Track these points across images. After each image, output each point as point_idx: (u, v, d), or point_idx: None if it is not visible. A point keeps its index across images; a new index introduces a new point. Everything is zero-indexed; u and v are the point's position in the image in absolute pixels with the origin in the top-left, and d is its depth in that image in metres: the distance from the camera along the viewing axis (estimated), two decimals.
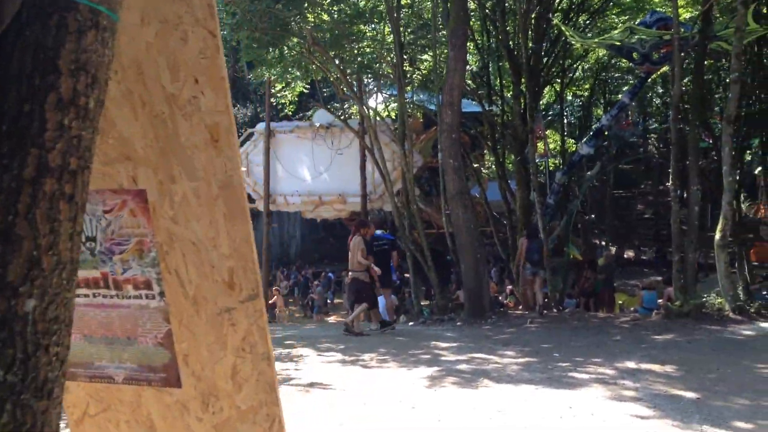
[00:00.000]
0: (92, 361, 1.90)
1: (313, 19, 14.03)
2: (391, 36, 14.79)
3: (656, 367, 7.25)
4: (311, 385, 6.51)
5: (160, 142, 1.67)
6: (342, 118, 15.36)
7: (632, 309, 15.35)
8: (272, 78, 15.82)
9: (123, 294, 1.83)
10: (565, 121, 28.66)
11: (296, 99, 18.64)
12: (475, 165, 21.79)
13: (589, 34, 18.36)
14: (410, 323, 12.85)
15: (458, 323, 11.98)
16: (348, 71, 15.02)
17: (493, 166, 25.95)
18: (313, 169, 15.75)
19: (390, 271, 11.80)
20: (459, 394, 6.10)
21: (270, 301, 20.86)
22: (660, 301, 13.72)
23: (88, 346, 1.89)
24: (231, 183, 1.66)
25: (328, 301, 27.20)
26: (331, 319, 20.14)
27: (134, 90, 1.64)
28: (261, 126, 15.94)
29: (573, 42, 17.55)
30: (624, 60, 20.71)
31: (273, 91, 17.14)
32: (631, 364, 7.42)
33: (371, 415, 5.41)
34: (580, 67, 24.22)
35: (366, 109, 14.70)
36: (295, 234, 41.90)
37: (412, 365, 7.54)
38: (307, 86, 17.51)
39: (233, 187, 1.66)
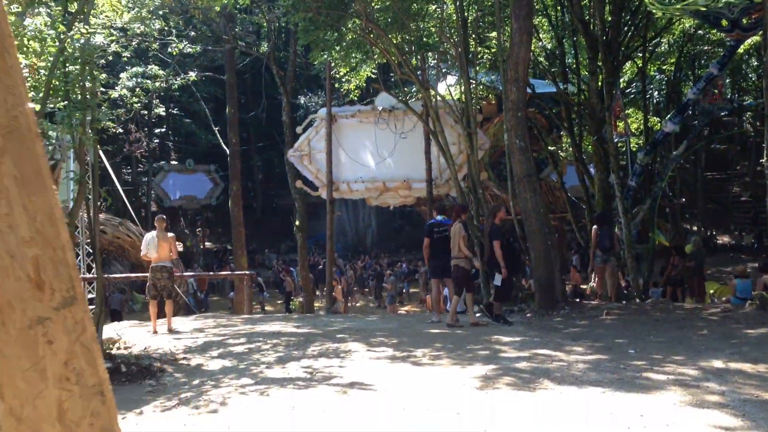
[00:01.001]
0: None
1: None
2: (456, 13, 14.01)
3: (747, 367, 6.31)
4: (351, 385, 5.95)
5: None
6: (405, 100, 14.70)
7: (724, 299, 14.04)
8: (333, 62, 15.35)
9: None
10: (648, 98, 26.99)
11: (364, 85, 18.11)
12: (551, 148, 20.73)
13: (672, 1, 16.97)
14: (477, 314, 12.12)
15: (528, 314, 11.19)
16: (408, 51, 14.35)
17: (570, 149, 24.80)
18: (377, 155, 15.18)
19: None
20: (513, 399, 5.40)
21: (333, 293, 20.55)
22: (755, 291, 12.44)
23: None
24: (19, 128, 1.09)
25: (403, 291, 26.77)
26: (403, 310, 19.60)
27: None
28: (323, 111, 15.50)
29: (654, 11, 16.21)
30: (713, 30, 19.09)
31: (337, 76, 16.69)
32: (717, 364, 6.50)
33: (407, 423, 4.80)
34: (664, 40, 22.61)
35: (429, 91, 14.00)
36: (371, 223, 41.64)
37: (466, 363, 6.87)
38: (374, 71, 16.96)
39: (23, 136, 1.09)
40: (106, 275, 17.40)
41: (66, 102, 7.04)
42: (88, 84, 7.14)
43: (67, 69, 7.06)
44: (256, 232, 40.13)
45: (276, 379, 6.22)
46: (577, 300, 15.25)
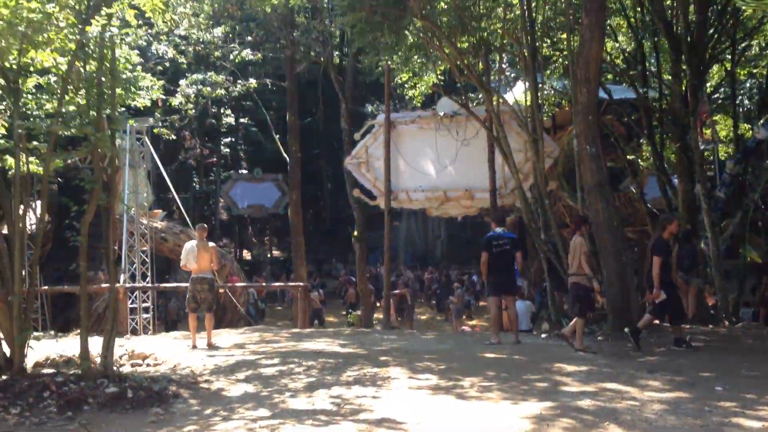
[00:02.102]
0: None
1: None
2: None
3: None
4: (379, 422, 5.15)
5: None
6: (466, 104, 13.80)
7: None
8: (393, 66, 14.64)
9: None
10: (738, 103, 25.05)
11: (430, 91, 17.35)
12: (631, 157, 19.34)
13: None
14: (543, 335, 11.10)
15: (599, 338, 10.10)
16: (473, 55, 13.48)
17: (651, 158, 23.20)
18: (438, 163, 14.35)
19: (514, 276, 10.15)
20: None
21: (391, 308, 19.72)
22: None
23: None
24: None
25: (471, 304, 25.71)
26: (469, 325, 18.61)
27: None
28: (381, 117, 14.81)
29: (743, 6, 14.77)
30: None
31: (399, 81, 16.00)
32: None
33: None
34: (755, 42, 20.85)
35: (492, 95, 13.07)
36: (441, 233, 40.67)
37: (519, 397, 5.95)
38: (441, 76, 16.17)
39: None
40: (163, 284, 17.22)
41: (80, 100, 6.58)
42: (104, 80, 6.63)
43: (86, 66, 6.60)
44: (325, 241, 39.85)
45: (297, 411, 5.49)
46: (656, 322, 13.94)
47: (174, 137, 17.79)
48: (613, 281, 10.36)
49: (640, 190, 17.77)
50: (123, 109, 7.79)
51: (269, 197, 35.42)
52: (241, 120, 37.35)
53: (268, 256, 36.30)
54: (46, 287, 15.19)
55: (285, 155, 20.00)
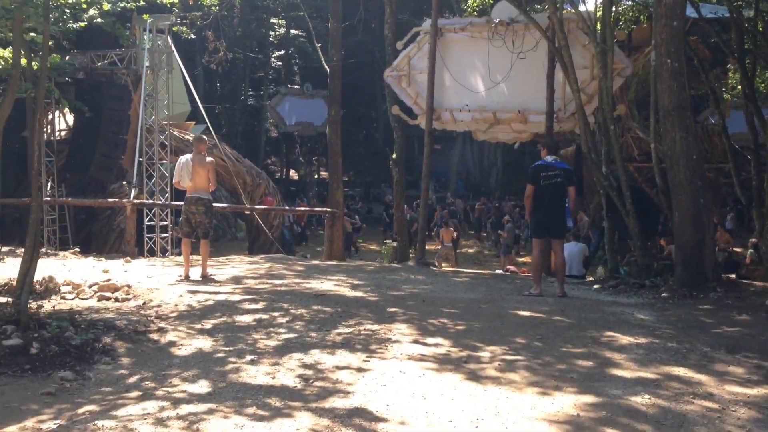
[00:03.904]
0: None
1: None
2: None
3: None
4: (351, 414, 3.73)
5: None
6: (526, 9, 11.74)
7: None
8: None
9: None
10: None
11: (490, 0, 15.22)
12: (715, 85, 16.90)
13: None
14: (595, 285, 9.46)
15: (663, 294, 8.42)
16: None
17: (739, 87, 20.57)
18: (488, 79, 12.42)
19: (564, 215, 8.46)
20: None
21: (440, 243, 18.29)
22: None
23: None
24: None
25: (521, 239, 24.01)
26: (513, 267, 17.01)
27: None
28: (427, 24, 12.88)
29: None
30: None
31: None
32: None
33: None
34: None
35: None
36: (496, 162, 38.55)
37: (552, 383, 4.43)
38: None
39: None
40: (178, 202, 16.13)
41: None
42: None
43: None
44: (376, 163, 38.27)
45: (246, 387, 4.12)
46: (734, 276, 12.09)
47: (192, 36, 16.27)
48: (686, 225, 8.59)
49: (722, 122, 15.48)
50: None
51: (319, 114, 33.76)
52: (293, 31, 35.49)
53: (315, 177, 35.07)
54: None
55: (325, 65, 18.29)
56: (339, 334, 5.42)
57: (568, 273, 11.81)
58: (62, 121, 17.58)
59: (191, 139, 8.68)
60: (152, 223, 14.74)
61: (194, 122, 19.33)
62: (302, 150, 36.64)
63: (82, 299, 6.64)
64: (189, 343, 5.03)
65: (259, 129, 37.07)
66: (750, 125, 15.58)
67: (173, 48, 15.35)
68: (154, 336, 5.15)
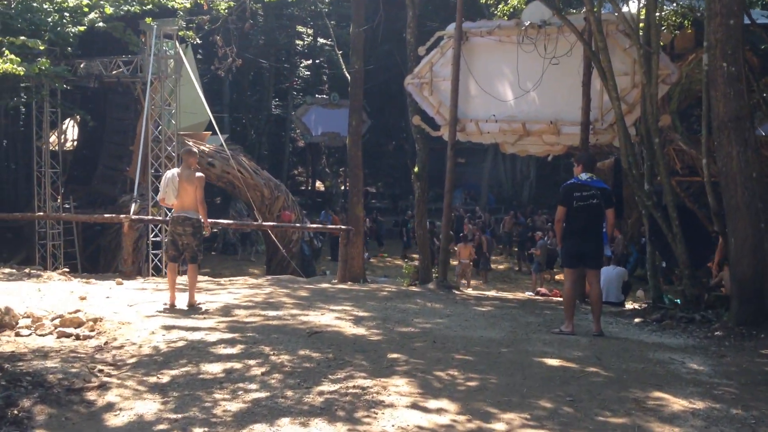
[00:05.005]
0: None
1: None
2: None
3: None
4: None
5: None
6: (560, 10, 10.67)
7: None
8: None
9: None
10: None
11: (523, 6, 14.18)
12: (765, 95, 15.56)
13: None
14: (636, 319, 8.32)
15: (716, 332, 7.27)
16: None
17: None
18: (517, 87, 11.35)
19: (602, 241, 7.35)
20: None
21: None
22: None
23: None
24: None
25: (558, 258, 22.73)
26: (544, 289, 15.84)
27: None
28: (452, 27, 11.88)
29: None
30: None
31: None
32: None
33: None
34: None
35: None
36: (530, 174, 37.21)
37: None
38: None
39: None
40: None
41: None
42: None
43: None
44: (405, 175, 37.22)
45: None
46: None
47: (198, 40, 15.52)
48: (744, 254, 7.43)
49: None
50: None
51: (346, 125, 32.92)
52: (320, 40, 34.80)
53: (342, 188, 34.18)
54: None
55: (346, 73, 17.43)
56: (321, 393, 4.42)
57: (606, 299, 10.65)
58: (69, 131, 16.96)
59: (191, 150, 7.78)
60: (158, 239, 13.95)
61: (211, 133, 18.60)
62: (329, 161, 35.82)
63: (39, 335, 5.77)
64: (131, 407, 4.08)
65: (284, 139, 36.40)
66: None
67: (182, 54, 14.60)
68: (91, 395, 4.22)
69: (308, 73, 38.41)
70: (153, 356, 5.20)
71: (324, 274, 17.98)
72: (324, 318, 7.03)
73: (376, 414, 4.09)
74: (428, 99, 12.21)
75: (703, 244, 9.09)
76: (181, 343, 5.58)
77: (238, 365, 4.97)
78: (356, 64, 16.04)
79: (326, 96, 34.85)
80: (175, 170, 7.61)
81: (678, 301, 9.56)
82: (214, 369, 4.87)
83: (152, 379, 4.61)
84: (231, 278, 11.43)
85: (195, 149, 7.91)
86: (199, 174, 7.55)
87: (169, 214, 7.97)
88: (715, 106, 7.49)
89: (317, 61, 37.74)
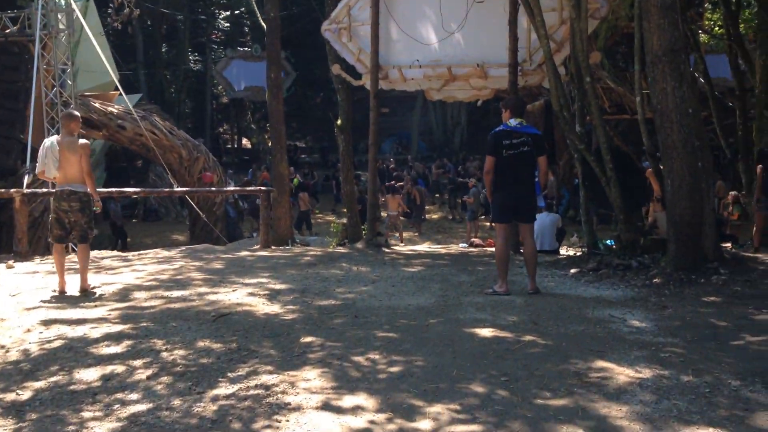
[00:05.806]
0: None
1: None
2: None
3: None
4: None
5: None
6: None
7: None
8: None
9: None
10: None
11: None
12: (692, 26, 15.30)
13: None
14: (572, 270, 7.89)
15: (655, 279, 6.90)
16: None
17: (717, 28, 19.08)
18: (441, 29, 10.64)
19: (534, 192, 6.81)
20: None
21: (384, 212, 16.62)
22: None
23: None
24: None
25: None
26: (478, 239, 15.46)
27: None
28: None
29: None
30: None
31: None
32: None
33: None
34: None
35: None
36: (461, 120, 36.75)
37: None
38: None
39: None
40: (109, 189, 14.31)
41: None
42: None
43: None
44: (333, 128, 36.34)
45: None
46: (729, 246, 10.64)
47: None
48: (681, 195, 7.04)
49: (703, 66, 13.94)
50: None
51: None
52: None
53: (269, 144, 33.06)
54: None
55: (262, 22, 16.22)
56: (215, 399, 3.73)
57: (540, 248, 10.27)
58: None
59: (72, 113, 6.77)
60: None
61: (119, 93, 17.23)
62: (254, 116, 34.43)
63: None
64: None
65: (206, 96, 34.76)
66: (734, 70, 14.12)
67: (75, 7, 13.22)
68: None
69: (227, 24, 36.57)
70: (19, 364, 4.39)
71: (251, 236, 17.14)
72: (235, 295, 6.31)
73: (279, 422, 3.43)
74: (347, 46, 11.36)
75: (638, 188, 8.73)
76: (57, 343, 4.77)
77: (120, 369, 4.22)
78: (271, 11, 14.96)
79: (248, 48, 33.28)
80: (54, 138, 6.65)
81: (611, 242, 9.24)
82: (90, 376, 4.11)
83: (9, 397, 3.82)
84: (141, 252, 10.52)
85: (76, 112, 6.89)
86: (82, 141, 6.60)
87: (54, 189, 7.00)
88: (648, 38, 6.96)
89: (237, 11, 35.91)
